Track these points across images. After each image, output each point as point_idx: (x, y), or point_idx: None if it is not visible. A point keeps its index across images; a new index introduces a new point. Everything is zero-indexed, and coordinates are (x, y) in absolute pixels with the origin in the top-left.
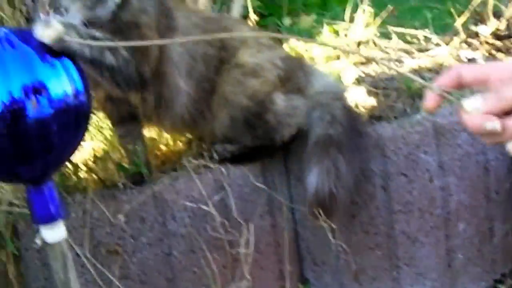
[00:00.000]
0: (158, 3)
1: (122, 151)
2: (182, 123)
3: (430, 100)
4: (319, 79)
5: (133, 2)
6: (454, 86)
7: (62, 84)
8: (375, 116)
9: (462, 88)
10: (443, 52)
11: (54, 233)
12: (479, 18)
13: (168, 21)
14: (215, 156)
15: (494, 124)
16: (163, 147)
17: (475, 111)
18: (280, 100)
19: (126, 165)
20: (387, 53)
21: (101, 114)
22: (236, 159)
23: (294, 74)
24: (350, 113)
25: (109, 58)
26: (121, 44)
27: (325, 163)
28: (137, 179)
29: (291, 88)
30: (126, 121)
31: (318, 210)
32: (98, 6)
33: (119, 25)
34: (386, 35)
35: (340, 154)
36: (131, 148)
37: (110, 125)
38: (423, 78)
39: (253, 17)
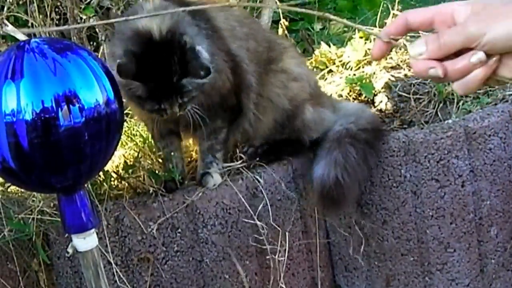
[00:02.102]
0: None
1: (154, 158)
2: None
3: (377, 48)
4: (345, 104)
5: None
6: (403, 32)
7: (94, 93)
8: (406, 121)
9: (410, 32)
10: None
11: (86, 241)
12: None
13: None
14: (245, 158)
15: (436, 70)
16: (194, 154)
17: (419, 56)
18: (308, 112)
19: (158, 173)
20: None
21: (132, 122)
22: (264, 156)
23: (322, 96)
24: (375, 120)
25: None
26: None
27: (334, 154)
28: (171, 187)
29: (321, 103)
30: (167, 135)
31: (323, 200)
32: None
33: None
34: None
35: (352, 146)
36: (169, 157)
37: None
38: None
39: (283, 22)
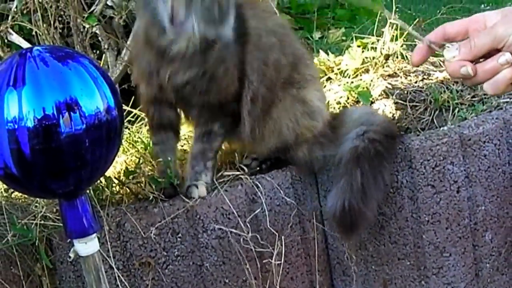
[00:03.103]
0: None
1: (155, 165)
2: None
3: (417, 52)
4: (353, 110)
5: None
6: (441, 41)
7: (95, 100)
8: (402, 128)
9: (448, 41)
10: None
11: (87, 246)
12: None
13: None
14: (247, 170)
15: (467, 68)
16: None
17: (453, 58)
18: (302, 153)
19: (158, 178)
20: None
21: (133, 129)
22: (267, 171)
23: (327, 135)
24: (386, 121)
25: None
26: None
27: (341, 182)
28: (169, 193)
29: (321, 142)
30: (164, 129)
31: (340, 229)
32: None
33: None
34: (413, 48)
35: (358, 168)
36: (162, 158)
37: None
38: (449, 89)
39: None
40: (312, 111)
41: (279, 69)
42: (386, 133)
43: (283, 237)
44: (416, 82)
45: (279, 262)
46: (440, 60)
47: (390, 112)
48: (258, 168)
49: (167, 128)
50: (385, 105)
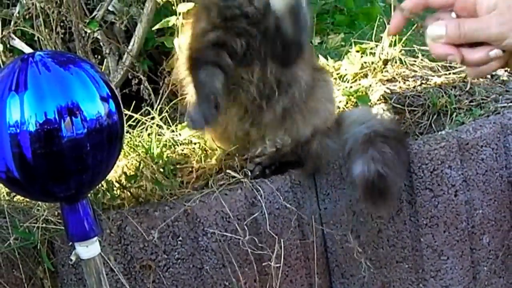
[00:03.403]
0: None
1: (155, 168)
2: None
3: (395, 22)
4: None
5: None
6: (421, 8)
7: (96, 105)
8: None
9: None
10: None
11: (89, 249)
12: None
13: None
14: (249, 173)
15: (454, 57)
16: (195, 164)
17: (438, 38)
18: (325, 142)
19: (159, 180)
20: (413, 70)
21: (134, 133)
22: (270, 175)
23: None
24: (386, 122)
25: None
26: None
27: (369, 152)
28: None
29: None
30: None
31: (370, 195)
32: None
33: None
34: (412, 53)
35: (386, 144)
36: (209, 82)
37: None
38: (447, 94)
39: None
40: (332, 100)
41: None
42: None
43: (282, 240)
44: (414, 87)
45: (278, 265)
46: (438, 66)
47: (389, 117)
48: (262, 174)
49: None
50: (384, 110)
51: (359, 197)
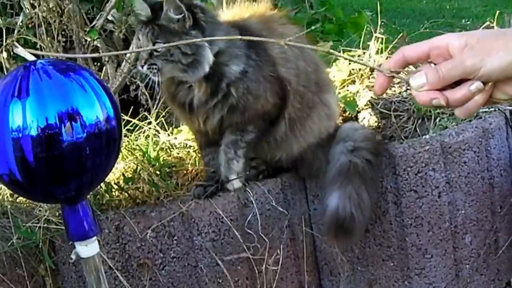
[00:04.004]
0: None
1: (152, 170)
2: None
3: (379, 83)
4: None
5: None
6: (402, 67)
7: (95, 110)
8: (387, 136)
9: (408, 66)
10: None
11: (88, 248)
12: None
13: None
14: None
15: (439, 101)
16: (190, 167)
17: (421, 88)
18: (318, 151)
19: (156, 182)
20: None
21: (132, 136)
22: (263, 179)
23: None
24: (368, 136)
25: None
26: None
27: (348, 189)
28: (199, 193)
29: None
30: (209, 145)
31: (335, 231)
32: (189, 70)
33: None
34: None
35: (363, 185)
36: (212, 167)
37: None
38: None
39: None
40: (331, 114)
41: (308, 75)
42: (372, 146)
43: (273, 240)
44: (400, 93)
45: (269, 263)
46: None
47: (376, 121)
48: (256, 177)
49: (213, 144)
50: (371, 115)
51: (325, 227)
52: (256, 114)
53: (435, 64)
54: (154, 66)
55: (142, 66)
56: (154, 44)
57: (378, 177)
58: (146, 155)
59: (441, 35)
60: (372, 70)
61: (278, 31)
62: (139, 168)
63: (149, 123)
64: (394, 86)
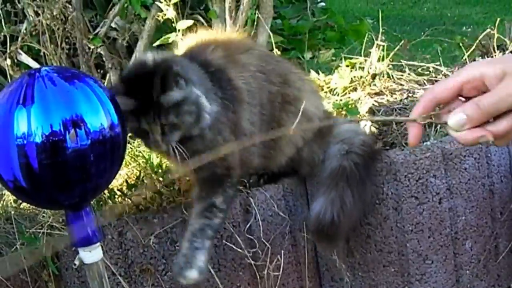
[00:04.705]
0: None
1: (155, 177)
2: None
3: (413, 133)
4: (341, 123)
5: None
6: (433, 109)
7: (99, 117)
8: (388, 143)
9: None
10: None
11: (92, 254)
12: (484, 50)
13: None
14: (247, 185)
15: (487, 138)
16: None
17: (461, 127)
18: (313, 147)
19: (159, 188)
20: (400, 84)
21: (135, 144)
22: (265, 184)
23: (322, 132)
24: (367, 143)
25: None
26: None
27: (331, 194)
28: None
29: (316, 140)
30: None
31: (318, 235)
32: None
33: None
34: (399, 68)
35: (348, 188)
36: None
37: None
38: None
39: (276, 51)
40: (310, 117)
41: (273, 99)
42: (367, 153)
43: (275, 245)
44: (401, 100)
45: (271, 269)
46: (424, 80)
47: (377, 128)
48: (257, 183)
49: None
50: (372, 122)
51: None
52: (224, 168)
53: (466, 99)
54: (171, 141)
55: (161, 146)
56: (163, 125)
57: (370, 178)
58: (149, 162)
59: (469, 67)
60: (404, 123)
61: (242, 62)
62: (142, 174)
63: None
64: (395, 94)
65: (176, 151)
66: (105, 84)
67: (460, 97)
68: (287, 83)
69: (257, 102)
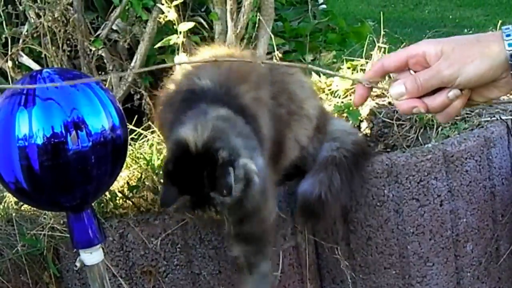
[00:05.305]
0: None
1: (156, 179)
2: None
3: (358, 94)
4: (336, 122)
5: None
6: (381, 77)
7: (100, 119)
8: (389, 145)
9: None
10: None
11: (93, 256)
12: None
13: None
14: None
15: (419, 109)
16: None
17: (400, 96)
18: (314, 143)
19: (160, 190)
20: None
21: (136, 145)
22: None
23: (321, 120)
24: (358, 142)
25: None
26: None
27: (320, 175)
28: None
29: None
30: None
31: (304, 213)
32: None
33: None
34: None
35: (337, 172)
36: None
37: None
38: None
39: (277, 53)
40: (311, 119)
41: (281, 119)
42: (357, 151)
43: (276, 247)
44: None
45: (274, 271)
46: None
47: (378, 130)
48: None
49: None
50: (373, 124)
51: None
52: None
53: (414, 72)
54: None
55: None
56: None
57: (358, 172)
58: (150, 164)
59: (416, 44)
60: (352, 82)
61: (264, 101)
62: (143, 176)
63: (153, 132)
64: None
65: (227, 216)
66: (106, 86)
67: (410, 71)
68: (291, 98)
69: (271, 142)
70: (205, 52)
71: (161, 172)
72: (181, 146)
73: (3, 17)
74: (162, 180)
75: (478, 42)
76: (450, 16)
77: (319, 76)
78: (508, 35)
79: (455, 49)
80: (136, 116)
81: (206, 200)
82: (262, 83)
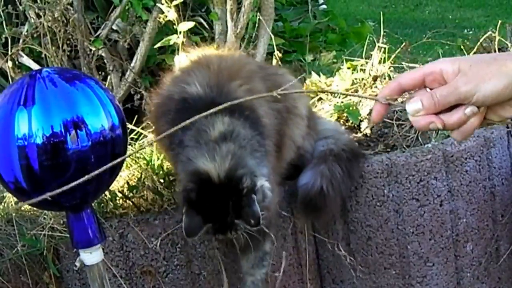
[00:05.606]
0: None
1: (156, 179)
2: None
3: (375, 111)
4: (325, 121)
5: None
6: (398, 94)
7: (100, 118)
8: (389, 145)
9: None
10: None
11: (92, 256)
12: (486, 53)
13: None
14: None
15: (436, 125)
16: None
17: (417, 113)
18: (309, 140)
19: (160, 190)
20: None
21: (136, 145)
22: None
23: (310, 118)
24: (352, 142)
25: None
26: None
27: (320, 167)
28: None
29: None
30: None
31: (306, 207)
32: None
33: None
34: (400, 70)
35: (337, 164)
36: None
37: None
38: None
39: (277, 53)
40: (302, 117)
41: (279, 115)
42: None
43: (276, 247)
44: (402, 102)
45: (272, 271)
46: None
47: (378, 130)
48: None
49: None
50: (373, 124)
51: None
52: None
53: (430, 89)
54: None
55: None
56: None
57: (358, 164)
58: (150, 164)
59: (434, 62)
60: (370, 99)
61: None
62: (143, 176)
63: (153, 132)
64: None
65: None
66: (106, 86)
67: (427, 88)
68: (285, 95)
69: (273, 132)
70: (195, 53)
71: (160, 172)
72: (203, 177)
73: (3, 17)
74: (162, 180)
75: (495, 60)
76: (450, 17)
77: (319, 76)
78: None
79: (472, 66)
80: (136, 116)
81: (229, 227)
82: (253, 77)
